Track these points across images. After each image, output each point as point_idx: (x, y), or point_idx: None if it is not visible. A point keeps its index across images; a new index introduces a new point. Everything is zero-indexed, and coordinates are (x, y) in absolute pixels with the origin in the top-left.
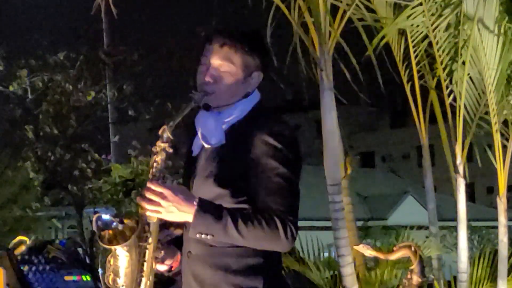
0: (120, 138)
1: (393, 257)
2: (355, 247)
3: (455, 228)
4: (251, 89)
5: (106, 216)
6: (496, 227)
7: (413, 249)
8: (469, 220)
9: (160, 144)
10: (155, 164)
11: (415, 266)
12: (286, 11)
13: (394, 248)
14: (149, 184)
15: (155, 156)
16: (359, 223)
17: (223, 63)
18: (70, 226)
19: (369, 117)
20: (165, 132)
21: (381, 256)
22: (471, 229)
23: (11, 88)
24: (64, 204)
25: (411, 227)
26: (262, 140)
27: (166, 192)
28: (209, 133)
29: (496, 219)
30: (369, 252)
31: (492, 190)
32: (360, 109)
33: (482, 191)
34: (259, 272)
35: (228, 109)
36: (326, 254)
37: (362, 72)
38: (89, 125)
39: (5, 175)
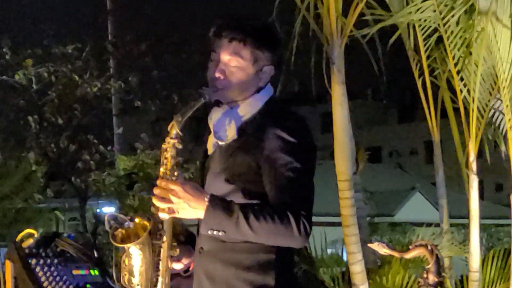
0: (125, 130)
1: (409, 255)
2: (369, 245)
3: (462, 226)
4: (263, 84)
5: (117, 215)
6: (505, 225)
7: (429, 248)
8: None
9: (169, 140)
10: (165, 161)
11: (431, 265)
12: (298, 2)
13: (410, 247)
14: (159, 182)
15: (165, 152)
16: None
17: (232, 58)
18: (71, 218)
19: (376, 111)
20: (174, 128)
21: (396, 254)
22: (480, 227)
23: (16, 77)
24: (66, 196)
25: (419, 224)
26: (275, 134)
27: (177, 188)
28: (222, 130)
29: (505, 217)
30: (384, 250)
31: (501, 188)
32: (368, 103)
33: (491, 189)
34: (271, 269)
35: (240, 105)
36: (333, 250)
37: (372, 66)
38: (94, 116)
39: (7, 166)
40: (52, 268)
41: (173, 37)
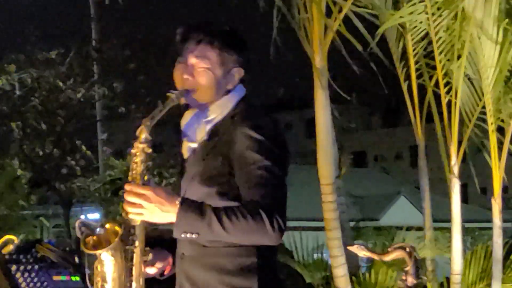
0: (110, 135)
1: (388, 258)
2: (349, 247)
3: (447, 229)
4: (232, 86)
5: (89, 222)
6: (489, 228)
7: (407, 250)
8: (462, 221)
9: (139, 145)
10: (134, 166)
11: (410, 267)
12: (283, 8)
13: (389, 249)
14: (128, 187)
15: (134, 157)
16: (351, 224)
17: (200, 60)
18: (55, 225)
19: (361, 116)
20: (143, 132)
21: (375, 257)
22: (465, 230)
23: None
24: (50, 203)
25: (404, 228)
26: (244, 134)
27: (148, 193)
28: (191, 131)
29: (489, 221)
30: (363, 253)
31: (485, 191)
32: (352, 107)
33: (475, 192)
34: (253, 272)
35: (209, 107)
36: (319, 255)
37: (355, 72)
38: (78, 122)
39: None
40: (33, 274)
41: (157, 43)
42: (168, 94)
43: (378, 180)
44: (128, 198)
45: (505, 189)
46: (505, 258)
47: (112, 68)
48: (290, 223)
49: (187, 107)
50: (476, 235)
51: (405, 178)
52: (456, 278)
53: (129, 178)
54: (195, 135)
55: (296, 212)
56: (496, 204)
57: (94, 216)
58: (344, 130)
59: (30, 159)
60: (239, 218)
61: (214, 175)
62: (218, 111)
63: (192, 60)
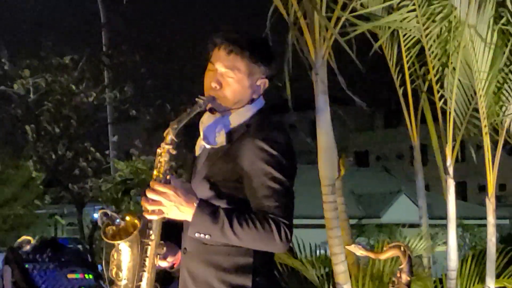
0: (120, 137)
1: (383, 256)
2: (347, 247)
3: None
4: (256, 96)
5: (110, 213)
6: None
7: (402, 249)
8: (461, 218)
9: (164, 146)
10: (159, 165)
11: (404, 265)
12: (284, 14)
13: (384, 248)
14: (152, 184)
15: (159, 157)
16: (353, 221)
17: (229, 70)
18: (69, 223)
19: (363, 117)
20: (170, 134)
21: (371, 255)
22: (463, 227)
23: (15, 87)
24: (64, 202)
25: (404, 225)
26: (258, 146)
27: (169, 192)
28: (211, 135)
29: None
30: (360, 252)
31: (484, 189)
32: (355, 109)
33: (474, 190)
34: (248, 271)
35: (232, 113)
36: (322, 251)
37: (357, 75)
38: (90, 125)
39: (6, 174)
40: (48, 273)
41: (165, 48)
42: (196, 99)
43: (380, 179)
44: (149, 195)
45: (502, 187)
46: (502, 253)
47: (122, 72)
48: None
49: (209, 110)
50: (475, 231)
51: (406, 176)
52: (451, 275)
53: (153, 176)
54: (214, 138)
55: (299, 210)
56: (490, 203)
57: (110, 213)
58: (349, 131)
59: (44, 160)
60: (249, 225)
61: (222, 179)
62: (238, 118)
63: (222, 69)
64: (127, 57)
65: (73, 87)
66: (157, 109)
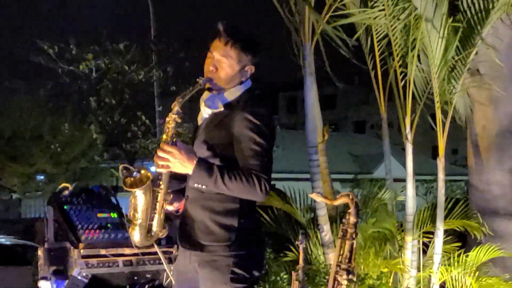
0: (164, 108)
1: (336, 203)
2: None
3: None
4: (244, 79)
5: (129, 167)
6: (457, 181)
7: (350, 197)
8: (432, 174)
9: (172, 115)
10: (167, 130)
11: (352, 209)
12: (277, 5)
13: (337, 196)
14: (162, 145)
15: (167, 124)
16: (350, 176)
17: (224, 58)
18: None
19: (361, 93)
20: (176, 106)
21: (327, 202)
22: (431, 182)
23: (80, 67)
24: (119, 159)
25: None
26: (245, 117)
27: (175, 151)
28: (213, 103)
29: (458, 174)
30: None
31: (456, 151)
32: (354, 87)
33: (448, 152)
34: (235, 214)
35: (225, 92)
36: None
37: (357, 58)
38: (140, 98)
39: (75, 136)
40: (82, 212)
41: (199, 38)
42: (197, 79)
43: (373, 143)
44: (159, 153)
45: (455, 151)
46: (450, 203)
47: (165, 56)
48: (288, 175)
49: (208, 89)
50: (447, 185)
51: (394, 141)
52: (409, 218)
53: (162, 139)
54: (216, 105)
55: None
56: (440, 163)
57: (153, 169)
58: (351, 105)
59: (104, 125)
60: (237, 179)
61: (217, 143)
62: (230, 96)
63: (218, 56)
64: (170, 44)
65: (127, 67)
66: (191, 86)
